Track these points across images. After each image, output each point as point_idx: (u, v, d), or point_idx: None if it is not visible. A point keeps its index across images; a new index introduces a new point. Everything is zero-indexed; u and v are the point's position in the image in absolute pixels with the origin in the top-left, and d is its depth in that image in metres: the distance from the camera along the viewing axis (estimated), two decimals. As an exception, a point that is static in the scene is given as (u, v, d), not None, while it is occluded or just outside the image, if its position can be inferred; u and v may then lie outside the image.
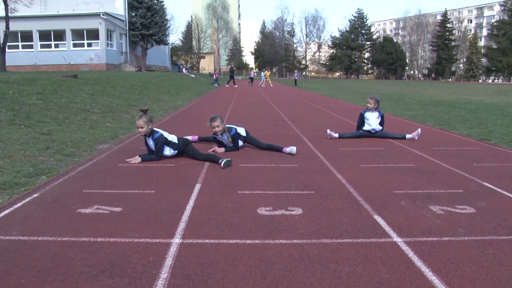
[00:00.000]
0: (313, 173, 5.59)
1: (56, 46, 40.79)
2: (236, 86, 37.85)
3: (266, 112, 14.35)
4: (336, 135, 8.55)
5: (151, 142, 6.22)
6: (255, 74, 48.49)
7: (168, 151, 6.31)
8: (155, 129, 6.27)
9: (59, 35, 40.45)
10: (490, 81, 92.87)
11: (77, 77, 18.58)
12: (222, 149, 6.90)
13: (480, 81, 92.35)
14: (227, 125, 6.98)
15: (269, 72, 47.15)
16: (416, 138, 8.37)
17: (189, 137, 7.67)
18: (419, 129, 8.63)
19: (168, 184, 4.92)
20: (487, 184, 5.09)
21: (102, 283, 2.60)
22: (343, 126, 10.56)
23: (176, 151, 6.39)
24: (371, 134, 8.69)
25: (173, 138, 6.35)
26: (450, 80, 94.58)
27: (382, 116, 8.77)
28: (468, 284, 2.65)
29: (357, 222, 3.74)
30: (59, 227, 3.53)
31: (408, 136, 8.43)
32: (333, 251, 3.11)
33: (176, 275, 2.72)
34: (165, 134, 6.29)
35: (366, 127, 8.75)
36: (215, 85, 38.10)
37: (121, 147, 7.30)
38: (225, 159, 5.88)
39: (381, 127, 8.74)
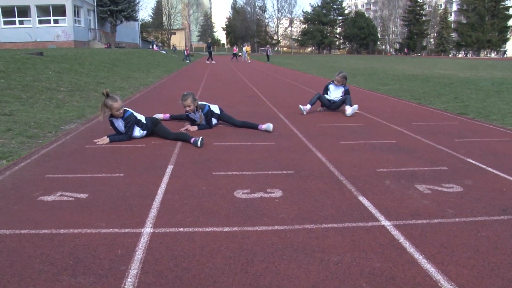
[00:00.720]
0: (291, 151, 5.34)
1: (21, 22, 39.15)
2: (208, 62, 37.20)
3: (239, 88, 14.02)
4: (308, 106, 8.44)
5: (120, 123, 5.88)
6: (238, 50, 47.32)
7: (138, 131, 5.98)
8: (125, 108, 5.92)
9: (24, 11, 38.84)
10: (460, 55, 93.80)
11: (42, 54, 17.87)
12: (195, 128, 6.59)
13: (450, 55, 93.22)
14: (200, 102, 6.65)
15: (250, 47, 46.32)
16: (349, 113, 8.24)
17: (160, 115, 7.36)
18: (356, 105, 8.49)
19: (139, 167, 4.62)
20: (471, 161, 4.93)
21: (64, 283, 2.31)
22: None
23: (145, 132, 6.06)
24: (330, 103, 8.70)
25: (141, 117, 6.03)
26: (420, 54, 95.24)
27: (346, 91, 8.61)
28: (465, 272, 2.46)
29: (341, 205, 3.51)
30: (17, 218, 3.20)
31: (347, 112, 8.25)
32: (318, 238, 2.88)
33: (147, 271, 2.45)
34: (135, 112, 5.97)
35: (327, 97, 8.78)
36: (187, 61, 37.42)
37: (89, 127, 6.92)
38: (198, 138, 5.59)
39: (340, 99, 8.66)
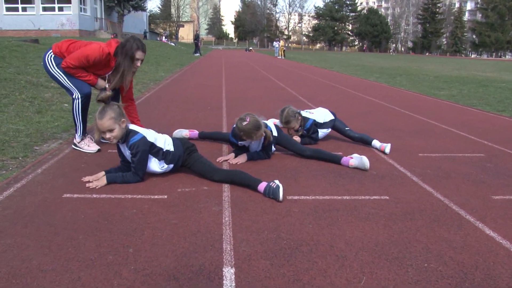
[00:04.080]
0: (432, 222, 2.93)
1: (24, 9, 36.95)
2: (197, 54, 34.94)
3: (270, 88, 11.56)
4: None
5: (127, 152, 3.50)
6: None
7: (156, 165, 3.59)
8: (132, 128, 3.52)
9: (27, -2, 36.68)
10: (472, 56, 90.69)
11: (38, 42, 15.59)
12: (244, 158, 4.20)
13: (468, 56, 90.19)
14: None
15: (283, 42, 42.27)
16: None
17: (186, 132, 4.99)
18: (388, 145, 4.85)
19: (162, 270, 2.23)
20: None
21: None
22: (377, 109, 7.93)
23: (171, 165, 3.67)
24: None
25: (164, 142, 3.62)
26: (432, 54, 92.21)
27: (311, 130, 5.02)
28: None
29: None
30: None
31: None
32: None
33: None
34: (150, 135, 3.55)
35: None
36: (196, 54, 35.06)
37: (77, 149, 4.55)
38: (274, 184, 3.25)
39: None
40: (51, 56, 4.30)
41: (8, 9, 36.52)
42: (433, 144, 5.34)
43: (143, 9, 48.48)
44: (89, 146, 4.48)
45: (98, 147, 4.49)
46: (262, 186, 3.28)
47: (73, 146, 4.55)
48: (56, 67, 4.27)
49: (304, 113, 5.01)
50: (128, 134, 3.43)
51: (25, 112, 6.11)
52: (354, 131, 5.14)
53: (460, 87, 13.72)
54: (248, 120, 3.93)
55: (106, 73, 4.40)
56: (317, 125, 4.97)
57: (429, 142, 5.47)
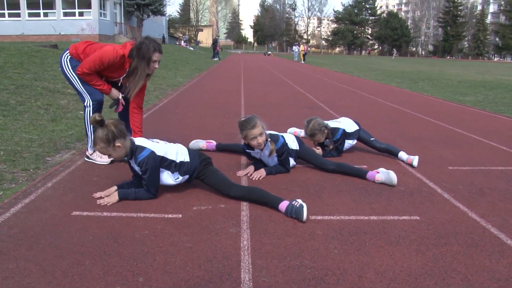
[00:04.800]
0: (472, 248, 2.68)
1: (45, 15, 37.33)
2: (216, 59, 34.73)
3: (291, 94, 11.33)
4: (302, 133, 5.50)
5: (136, 168, 3.31)
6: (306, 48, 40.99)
7: (169, 178, 3.39)
8: (139, 143, 3.31)
9: (49, 3, 36.90)
10: (495, 59, 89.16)
11: (57, 47, 15.59)
12: (262, 173, 3.97)
13: (492, 59, 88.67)
14: (269, 132, 4.01)
15: (303, 46, 41.42)
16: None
17: (202, 143, 4.79)
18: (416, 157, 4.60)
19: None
20: None
21: None
22: (401, 116, 7.64)
23: (186, 176, 3.46)
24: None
25: (176, 153, 3.40)
26: (454, 57, 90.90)
27: (340, 140, 4.73)
28: None
29: None
30: None
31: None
32: None
33: None
34: (159, 148, 3.33)
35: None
36: (215, 59, 34.95)
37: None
38: (296, 203, 3.03)
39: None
40: (67, 58, 4.17)
41: (30, 15, 36.95)
42: (462, 156, 5.06)
43: (162, 13, 48.66)
44: (101, 158, 4.32)
45: (111, 158, 4.33)
46: (283, 205, 3.06)
47: (85, 158, 4.39)
48: (71, 70, 4.13)
49: (332, 123, 4.76)
50: (135, 150, 3.23)
51: (40, 120, 5.99)
52: (379, 141, 4.89)
53: (486, 92, 13.33)
54: (245, 117, 3.83)
55: (121, 76, 4.24)
56: (345, 135, 4.72)
57: (458, 153, 5.20)
